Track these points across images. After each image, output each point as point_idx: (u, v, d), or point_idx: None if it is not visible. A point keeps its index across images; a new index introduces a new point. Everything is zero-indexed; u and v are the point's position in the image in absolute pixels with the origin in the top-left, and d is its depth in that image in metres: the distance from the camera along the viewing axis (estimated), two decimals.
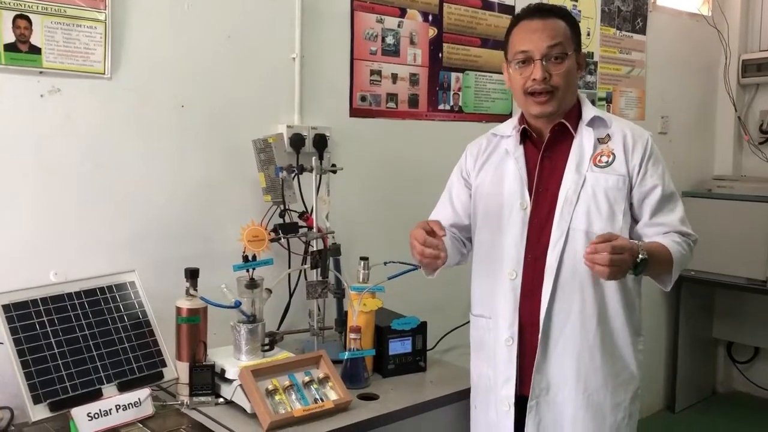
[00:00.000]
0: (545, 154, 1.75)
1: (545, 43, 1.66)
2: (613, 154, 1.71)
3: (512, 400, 1.74)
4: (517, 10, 2.64)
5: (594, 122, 1.74)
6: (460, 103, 2.82)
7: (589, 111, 1.76)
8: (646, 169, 1.71)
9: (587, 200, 1.69)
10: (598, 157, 1.71)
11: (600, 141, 1.73)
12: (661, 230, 1.71)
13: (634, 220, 1.74)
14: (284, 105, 2.29)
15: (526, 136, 1.79)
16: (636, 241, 1.61)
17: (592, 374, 1.71)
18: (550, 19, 1.70)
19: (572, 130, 1.74)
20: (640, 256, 1.56)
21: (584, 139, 1.73)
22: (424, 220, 1.68)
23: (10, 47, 1.75)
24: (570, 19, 1.74)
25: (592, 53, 3.40)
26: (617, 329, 1.73)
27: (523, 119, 1.79)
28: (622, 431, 1.75)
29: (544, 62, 1.66)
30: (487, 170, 1.85)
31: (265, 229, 1.91)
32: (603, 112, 1.80)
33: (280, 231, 2.08)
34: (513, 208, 1.75)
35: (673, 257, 1.66)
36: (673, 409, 3.97)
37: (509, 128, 1.83)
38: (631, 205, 1.72)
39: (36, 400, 1.59)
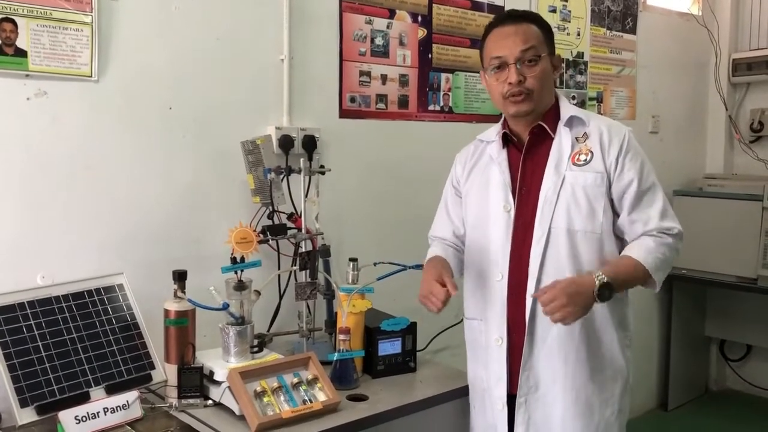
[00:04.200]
0: (527, 156, 1.79)
1: (518, 47, 1.70)
2: (591, 152, 1.73)
3: (505, 399, 1.77)
4: (507, 10, 2.65)
5: (571, 122, 1.77)
6: (450, 104, 2.82)
7: (566, 111, 1.78)
8: (623, 164, 1.72)
9: (567, 199, 1.72)
10: (576, 156, 1.74)
11: (578, 140, 1.75)
12: (639, 228, 1.71)
13: (617, 215, 1.75)
14: (273, 106, 2.29)
15: (508, 141, 1.83)
16: (591, 270, 1.64)
17: (578, 371, 1.74)
18: (522, 24, 1.74)
19: (550, 132, 1.77)
20: (598, 281, 1.58)
21: (562, 139, 1.76)
22: (440, 270, 1.73)
23: None
24: (542, 23, 1.78)
25: (582, 53, 3.41)
26: (602, 325, 1.75)
27: (505, 124, 1.84)
28: (612, 426, 1.77)
29: (518, 66, 1.70)
30: (475, 176, 1.89)
31: (254, 231, 1.91)
32: (581, 110, 1.83)
33: (268, 233, 2.08)
34: (498, 211, 1.79)
35: (647, 267, 1.67)
36: (666, 408, 3.98)
37: (493, 134, 1.88)
38: (612, 201, 1.73)
39: (23, 403, 1.59)
